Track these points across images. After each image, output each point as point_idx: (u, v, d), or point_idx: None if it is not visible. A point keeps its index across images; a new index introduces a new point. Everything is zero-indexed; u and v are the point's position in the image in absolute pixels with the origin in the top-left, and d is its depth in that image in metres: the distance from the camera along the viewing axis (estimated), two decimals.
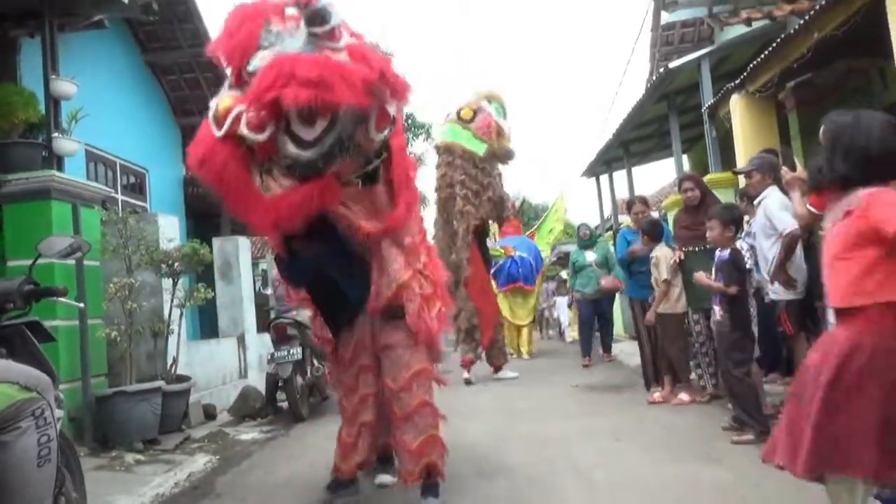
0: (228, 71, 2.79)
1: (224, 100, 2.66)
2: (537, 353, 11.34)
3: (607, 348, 9.67)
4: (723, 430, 4.48)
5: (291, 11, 2.69)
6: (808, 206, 3.93)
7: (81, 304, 3.69)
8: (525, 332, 11.21)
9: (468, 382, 7.95)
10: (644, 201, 6.95)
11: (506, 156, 8.25)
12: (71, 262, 4.64)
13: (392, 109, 2.82)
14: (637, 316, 6.49)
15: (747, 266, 4.73)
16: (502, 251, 10.66)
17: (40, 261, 5.02)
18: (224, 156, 2.59)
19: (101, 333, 5.36)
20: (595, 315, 9.41)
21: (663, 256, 5.68)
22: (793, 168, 4.35)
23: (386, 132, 2.89)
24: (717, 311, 4.52)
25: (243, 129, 2.55)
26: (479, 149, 7.76)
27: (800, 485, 3.33)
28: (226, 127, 2.57)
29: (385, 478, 3.91)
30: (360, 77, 2.53)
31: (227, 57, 2.73)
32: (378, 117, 2.77)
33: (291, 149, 2.62)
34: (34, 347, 2.48)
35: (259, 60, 2.60)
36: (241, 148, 2.62)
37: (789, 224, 4.48)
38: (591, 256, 9.32)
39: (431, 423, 3.51)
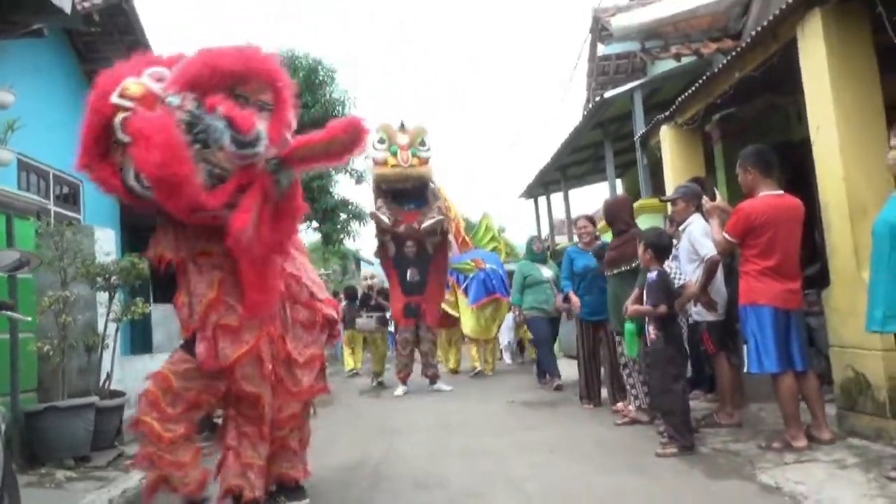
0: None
1: None
2: (470, 371, 10.88)
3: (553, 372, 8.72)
4: (657, 455, 4.44)
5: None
6: (724, 234, 4.27)
7: (28, 318, 3.64)
8: (492, 345, 10.96)
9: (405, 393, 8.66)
10: (590, 219, 7.08)
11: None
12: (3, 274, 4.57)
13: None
14: (582, 336, 6.73)
15: (676, 286, 4.99)
16: (472, 264, 10.48)
17: None
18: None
19: (33, 347, 5.24)
20: (554, 332, 8.76)
21: None
22: (713, 198, 4.71)
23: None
24: (651, 331, 4.70)
25: None
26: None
27: (713, 494, 3.61)
28: None
29: None
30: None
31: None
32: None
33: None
34: None
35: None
36: None
37: (710, 249, 4.80)
38: (547, 272, 8.64)
39: None
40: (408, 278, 8.97)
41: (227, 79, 2.95)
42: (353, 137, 3.04)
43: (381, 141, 8.81)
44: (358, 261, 23.25)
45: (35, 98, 7.31)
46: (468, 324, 10.45)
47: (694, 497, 3.55)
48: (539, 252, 8.87)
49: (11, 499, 2.66)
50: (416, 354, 9.22)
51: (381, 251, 9.26)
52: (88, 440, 5.16)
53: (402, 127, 8.97)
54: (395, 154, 8.73)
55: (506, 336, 11.81)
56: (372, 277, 11.90)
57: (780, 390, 4.15)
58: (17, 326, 5.00)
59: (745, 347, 4.29)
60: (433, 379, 8.93)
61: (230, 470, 3.55)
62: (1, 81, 5.48)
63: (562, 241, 12.57)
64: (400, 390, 8.80)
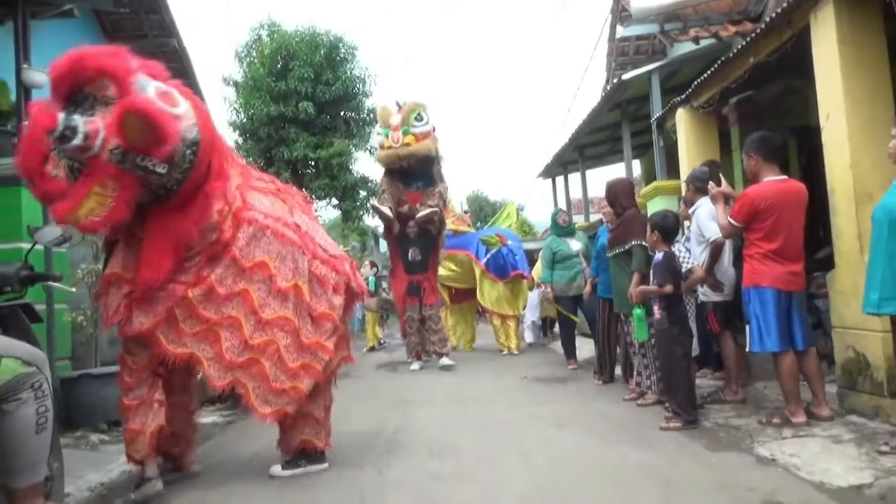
0: None
1: None
2: (486, 348, 10.91)
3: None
4: (661, 429, 4.62)
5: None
6: (729, 218, 4.40)
7: (73, 289, 3.89)
8: (513, 323, 10.58)
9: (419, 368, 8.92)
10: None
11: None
12: (39, 247, 4.82)
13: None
14: (599, 313, 6.89)
15: (683, 268, 5.13)
16: (496, 239, 10.43)
17: (8, 245, 5.20)
18: None
19: (67, 318, 5.52)
20: (577, 312, 8.22)
21: None
22: (718, 183, 4.82)
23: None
24: (656, 311, 4.87)
25: None
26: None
27: (712, 464, 3.79)
28: None
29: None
30: None
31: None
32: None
33: None
34: (27, 327, 2.72)
35: None
36: None
37: (715, 232, 4.94)
38: (575, 245, 8.16)
39: None
40: (409, 258, 9.06)
41: (66, 83, 3.07)
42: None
43: (380, 126, 9.10)
44: (377, 237, 23.45)
45: None
46: (490, 295, 10.31)
47: (692, 467, 3.72)
48: (565, 225, 8.45)
49: (56, 458, 2.91)
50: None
51: (387, 232, 9.42)
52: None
53: (399, 107, 8.95)
54: (387, 136, 8.79)
55: (529, 315, 11.61)
56: (373, 266, 12.57)
57: (781, 368, 4.31)
58: (54, 297, 5.27)
59: (747, 327, 4.43)
60: (440, 355, 9.02)
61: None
62: (36, 62, 5.68)
63: (578, 220, 12.66)
64: (416, 365, 9.03)
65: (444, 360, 8.89)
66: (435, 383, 7.67)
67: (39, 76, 5.64)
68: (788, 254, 4.31)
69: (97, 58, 3.09)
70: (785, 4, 4.91)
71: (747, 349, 4.56)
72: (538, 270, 9.74)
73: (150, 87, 3.19)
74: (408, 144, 8.63)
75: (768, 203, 4.31)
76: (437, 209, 8.86)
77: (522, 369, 8.33)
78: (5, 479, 2.34)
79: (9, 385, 2.30)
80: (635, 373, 5.85)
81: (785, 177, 4.50)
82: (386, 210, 8.87)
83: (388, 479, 3.84)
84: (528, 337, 11.74)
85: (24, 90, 5.60)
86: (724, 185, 4.85)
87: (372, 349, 12.70)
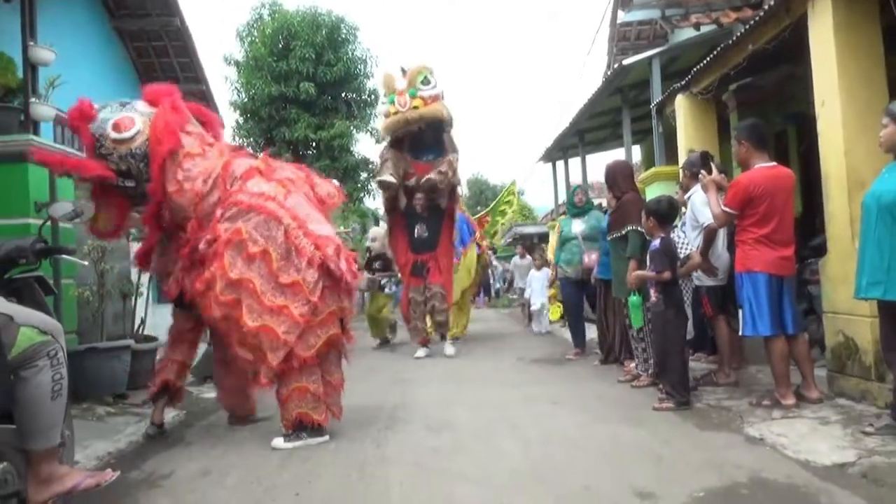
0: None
1: None
2: (481, 333, 10.57)
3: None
4: (653, 409, 4.72)
5: None
6: (723, 206, 4.45)
7: (86, 263, 3.99)
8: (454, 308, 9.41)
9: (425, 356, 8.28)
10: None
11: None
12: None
13: None
14: (599, 294, 7.00)
15: (682, 253, 5.22)
16: None
17: (15, 221, 5.28)
18: None
19: (74, 292, 5.62)
20: (583, 297, 7.88)
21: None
22: (709, 172, 4.88)
23: None
24: (653, 294, 4.98)
25: None
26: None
27: (702, 443, 3.90)
28: None
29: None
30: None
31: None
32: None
33: None
34: (41, 298, 2.81)
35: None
36: None
37: (708, 218, 5.03)
38: (577, 227, 7.66)
39: None
40: (416, 234, 8.42)
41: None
42: None
43: (385, 94, 8.37)
44: (377, 219, 23.54)
45: (69, 54, 7.57)
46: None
47: (682, 444, 3.84)
48: (580, 205, 7.83)
49: (68, 426, 3.01)
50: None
51: (391, 207, 8.68)
52: (125, 379, 5.57)
53: (403, 73, 8.15)
54: (392, 102, 8.01)
55: (538, 297, 10.79)
56: (373, 240, 10.45)
57: (772, 352, 4.41)
58: (61, 272, 5.36)
59: (740, 312, 4.51)
60: (444, 336, 8.65)
61: None
62: (41, 39, 5.74)
63: None
64: (421, 352, 8.41)
65: (448, 349, 8.43)
66: (433, 365, 7.78)
67: (46, 53, 5.71)
68: (780, 239, 4.40)
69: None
70: None
71: (740, 333, 4.64)
72: (552, 247, 9.76)
73: (107, 124, 4.20)
74: (416, 108, 7.82)
75: (761, 189, 4.38)
76: (445, 173, 8.07)
77: (521, 352, 8.45)
78: (23, 443, 2.44)
79: (27, 353, 2.39)
80: (634, 356, 5.95)
81: (774, 163, 4.58)
82: (388, 177, 8.06)
83: (387, 452, 3.96)
84: (535, 325, 11.02)
85: (31, 67, 5.66)
86: (715, 174, 4.92)
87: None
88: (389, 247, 9.21)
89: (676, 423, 4.37)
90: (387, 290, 10.24)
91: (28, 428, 2.43)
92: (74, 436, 3.33)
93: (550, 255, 10.14)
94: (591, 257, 7.27)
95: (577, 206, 7.87)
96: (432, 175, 7.99)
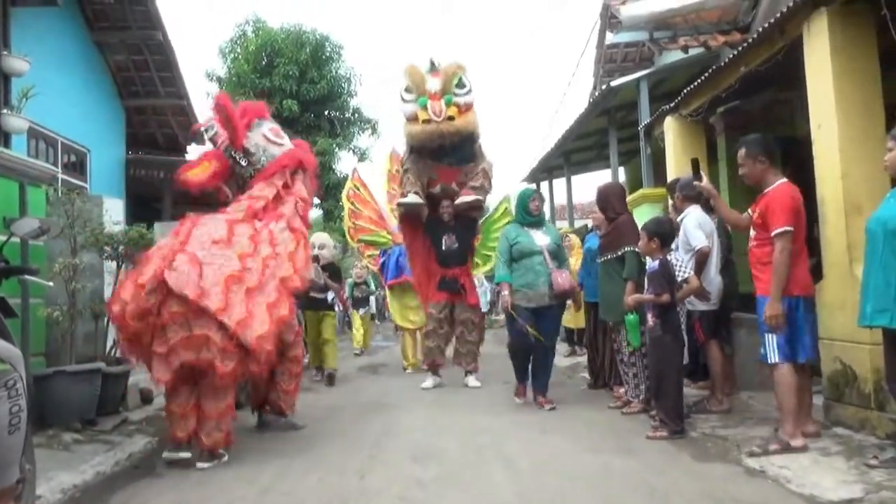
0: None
1: None
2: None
3: (544, 387, 6.12)
4: (647, 438, 4.58)
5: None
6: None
7: (51, 283, 3.76)
8: (419, 337, 8.77)
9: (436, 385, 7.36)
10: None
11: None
12: (15, 240, 4.67)
13: None
14: (588, 318, 6.84)
15: (679, 276, 5.06)
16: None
17: None
18: None
19: (42, 313, 5.36)
20: (548, 328, 6.06)
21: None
22: (700, 179, 4.70)
23: None
24: (650, 318, 4.80)
25: None
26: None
27: (698, 474, 3.75)
28: None
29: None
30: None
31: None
32: None
33: None
34: (1, 323, 2.59)
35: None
36: None
37: (701, 241, 4.91)
38: (542, 239, 6.12)
39: None
40: (443, 247, 7.36)
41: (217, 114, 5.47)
42: None
43: (408, 90, 6.99)
44: None
45: (45, 65, 7.37)
46: (397, 311, 9.23)
47: (679, 477, 3.68)
48: (536, 213, 6.31)
49: (29, 459, 2.78)
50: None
51: (407, 219, 7.62)
52: (95, 404, 5.29)
53: (433, 68, 7.01)
54: (424, 106, 6.80)
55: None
56: (321, 247, 8.27)
57: (780, 382, 4.02)
58: (29, 292, 5.11)
59: (765, 337, 4.09)
60: (466, 372, 7.49)
61: None
62: (15, 49, 5.53)
63: (563, 225, 12.64)
64: (429, 381, 7.36)
65: (472, 381, 7.36)
66: (416, 387, 7.56)
67: (20, 63, 5.51)
68: (804, 256, 4.15)
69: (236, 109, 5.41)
70: (779, 14, 4.91)
71: (769, 362, 4.11)
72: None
73: (264, 126, 5.49)
74: (451, 118, 6.75)
75: (799, 204, 4.11)
76: (481, 198, 7.25)
77: (506, 376, 8.25)
78: None
79: None
80: (624, 381, 5.79)
81: (785, 179, 4.26)
82: (413, 199, 7.14)
83: (371, 485, 3.75)
84: None
85: (4, 77, 5.45)
86: (706, 182, 4.72)
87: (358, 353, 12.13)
88: (409, 262, 8.08)
89: (671, 453, 4.22)
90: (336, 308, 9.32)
91: None
92: (36, 468, 3.10)
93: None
94: (563, 277, 5.95)
95: (533, 214, 6.27)
96: (469, 198, 7.12)
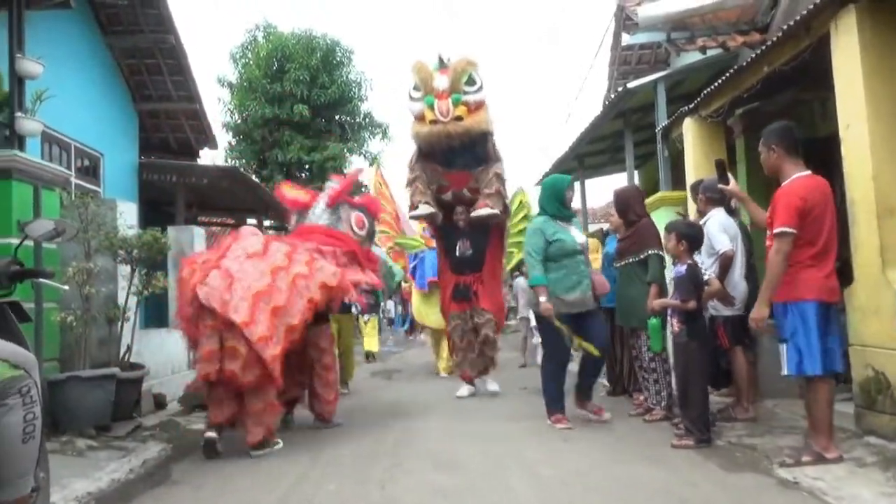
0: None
1: None
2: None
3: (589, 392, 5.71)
4: (672, 447, 4.46)
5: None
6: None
7: (66, 287, 3.70)
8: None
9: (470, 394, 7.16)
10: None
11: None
12: (30, 243, 4.62)
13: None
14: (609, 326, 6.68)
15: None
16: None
17: None
18: None
19: (56, 317, 5.31)
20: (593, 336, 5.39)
21: None
22: (726, 182, 4.56)
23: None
24: (675, 324, 4.67)
25: None
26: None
27: (729, 485, 3.63)
28: None
29: None
30: None
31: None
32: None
33: None
34: (15, 327, 2.52)
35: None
36: None
37: (724, 244, 4.77)
38: (579, 236, 5.57)
39: None
40: (457, 253, 7.12)
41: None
42: None
43: (416, 88, 6.69)
44: None
45: (58, 69, 7.33)
46: (429, 314, 9.06)
47: (711, 489, 3.56)
48: (569, 206, 5.70)
49: (43, 468, 2.70)
50: None
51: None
52: (109, 410, 5.23)
53: (442, 65, 6.69)
54: (431, 106, 6.49)
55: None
56: None
57: (817, 395, 3.81)
58: (43, 296, 5.06)
59: (782, 347, 3.94)
60: (482, 372, 7.32)
61: None
62: (29, 52, 5.49)
63: None
64: (464, 390, 7.18)
65: (491, 385, 7.25)
66: (431, 393, 7.48)
67: (34, 66, 5.46)
68: (827, 258, 3.91)
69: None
70: (804, 12, 4.79)
71: (783, 373, 3.97)
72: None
73: (357, 212, 5.94)
74: (459, 118, 6.42)
75: (812, 202, 3.85)
76: (497, 212, 6.88)
77: (522, 381, 8.16)
78: None
79: None
80: (643, 387, 5.68)
81: (809, 171, 4.05)
82: (425, 210, 6.87)
83: (392, 494, 3.66)
84: (540, 357, 10.10)
85: (18, 80, 5.40)
86: (733, 184, 4.60)
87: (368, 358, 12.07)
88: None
89: (698, 463, 4.10)
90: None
91: None
92: (50, 476, 3.02)
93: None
94: (601, 279, 5.57)
95: (565, 207, 5.61)
96: (484, 212, 6.75)
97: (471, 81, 6.54)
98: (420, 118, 6.61)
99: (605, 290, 5.48)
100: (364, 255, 5.79)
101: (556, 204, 5.53)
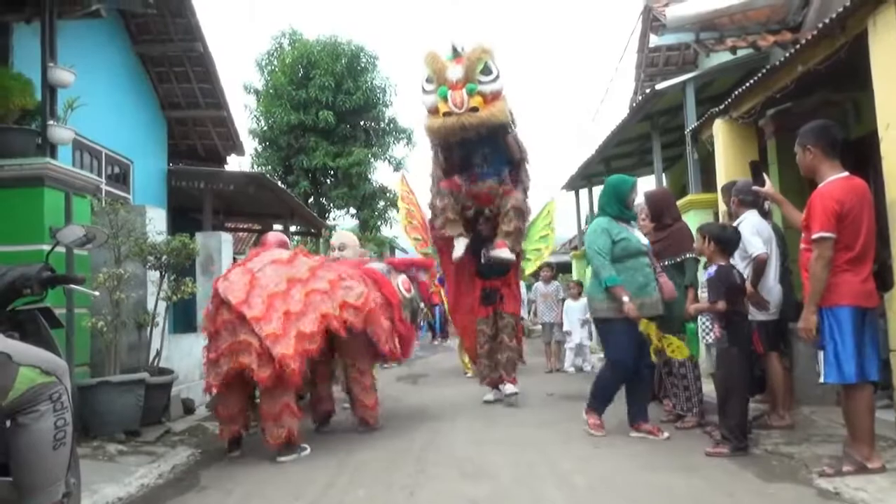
0: None
1: None
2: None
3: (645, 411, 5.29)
4: (707, 454, 4.36)
5: None
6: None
7: (97, 293, 3.72)
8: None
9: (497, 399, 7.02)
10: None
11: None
12: (61, 250, 4.66)
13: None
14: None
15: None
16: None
17: (29, 247, 5.05)
18: None
19: (87, 323, 5.35)
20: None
21: None
22: (762, 183, 4.47)
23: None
24: (716, 329, 4.57)
25: None
26: None
27: (768, 496, 3.52)
28: None
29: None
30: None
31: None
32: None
33: None
34: (47, 333, 2.53)
35: None
36: None
37: (758, 248, 4.66)
38: (642, 237, 5.32)
39: None
40: (483, 259, 6.98)
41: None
42: None
43: (429, 80, 6.31)
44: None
45: (89, 78, 7.42)
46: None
47: (750, 499, 3.47)
48: (631, 208, 5.40)
49: (74, 474, 2.71)
50: None
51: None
52: (139, 415, 5.26)
53: (455, 54, 6.30)
54: (445, 97, 6.11)
55: (577, 334, 9.76)
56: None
57: (856, 403, 3.70)
58: (74, 302, 5.11)
59: (820, 354, 3.81)
60: (512, 369, 7.05)
61: None
62: (61, 61, 5.56)
63: None
64: (491, 395, 7.07)
65: (509, 388, 6.86)
66: (456, 396, 7.43)
67: (65, 75, 5.53)
68: (865, 262, 3.79)
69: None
70: (840, 9, 4.68)
71: (821, 380, 3.84)
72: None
73: (405, 277, 6.08)
74: (475, 109, 6.05)
75: (849, 205, 3.74)
76: (513, 257, 6.79)
77: (549, 387, 8.07)
78: (21, 499, 2.15)
79: (26, 396, 2.11)
80: (671, 395, 5.57)
81: (847, 173, 3.92)
82: (463, 248, 6.77)
83: (420, 502, 3.61)
84: (568, 362, 9.98)
85: (50, 89, 5.47)
86: (769, 186, 4.50)
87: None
88: (443, 272, 7.80)
89: (734, 472, 3.99)
90: None
91: (26, 482, 2.14)
92: (81, 481, 3.02)
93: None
94: (668, 282, 5.21)
95: (627, 208, 5.31)
96: (502, 255, 6.60)
97: (486, 70, 6.14)
98: (433, 111, 6.26)
99: (673, 296, 5.17)
100: (398, 309, 5.68)
101: (619, 205, 5.27)
